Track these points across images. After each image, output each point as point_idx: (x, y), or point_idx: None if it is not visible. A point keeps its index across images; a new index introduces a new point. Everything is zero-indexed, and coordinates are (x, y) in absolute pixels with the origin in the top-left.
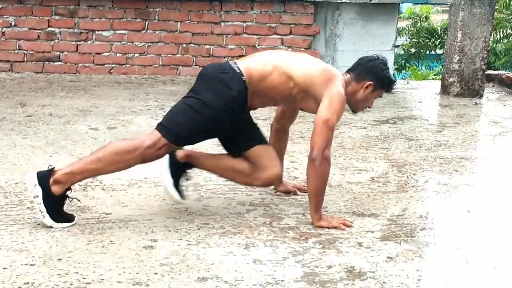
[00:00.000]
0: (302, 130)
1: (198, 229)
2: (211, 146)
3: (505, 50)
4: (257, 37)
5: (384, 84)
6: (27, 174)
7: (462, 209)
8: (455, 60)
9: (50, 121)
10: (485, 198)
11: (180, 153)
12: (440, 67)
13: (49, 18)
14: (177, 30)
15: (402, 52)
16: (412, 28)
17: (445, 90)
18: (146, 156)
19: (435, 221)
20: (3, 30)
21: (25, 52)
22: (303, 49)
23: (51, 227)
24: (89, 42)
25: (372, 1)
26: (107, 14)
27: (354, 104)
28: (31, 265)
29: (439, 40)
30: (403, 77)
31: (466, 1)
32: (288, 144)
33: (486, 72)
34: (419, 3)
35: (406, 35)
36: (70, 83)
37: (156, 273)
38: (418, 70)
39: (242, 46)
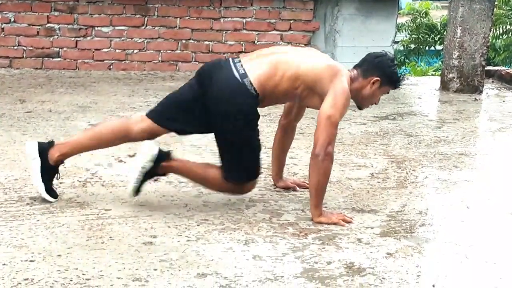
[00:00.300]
0: (301, 126)
1: (198, 225)
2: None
3: (504, 46)
4: (257, 33)
5: (391, 80)
6: (27, 142)
7: (462, 205)
8: (454, 56)
9: (49, 117)
10: (485, 194)
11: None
12: (440, 63)
13: (48, 14)
14: (176, 26)
15: (402, 48)
16: (411, 24)
17: (444, 86)
18: None
19: (434, 217)
20: (2, 26)
21: (25, 48)
22: (303, 45)
23: (45, 200)
24: (88, 38)
25: None
26: (107, 10)
27: (360, 100)
28: (31, 261)
29: (438, 36)
30: (403, 73)
31: None
32: None
33: (485, 68)
34: None
35: (405, 31)
36: (69, 79)
37: (155, 269)
38: (418, 66)
39: (241, 42)
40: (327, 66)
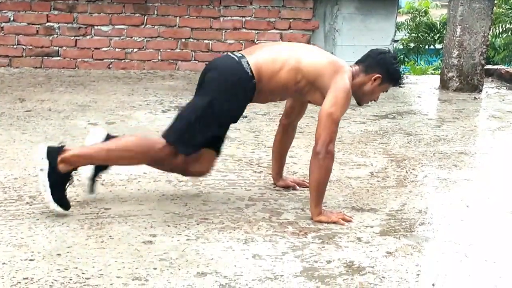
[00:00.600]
0: (301, 125)
1: (197, 224)
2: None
3: (504, 44)
4: (256, 32)
5: (393, 77)
6: (39, 145)
7: (461, 204)
8: (454, 54)
9: (49, 116)
10: (484, 193)
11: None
12: (439, 61)
13: (48, 13)
14: (176, 25)
15: (401, 46)
16: (411, 23)
17: (444, 85)
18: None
19: (434, 216)
20: (1, 25)
21: (24, 47)
22: None
23: (49, 207)
24: (88, 37)
25: None
26: (106, 9)
27: (361, 96)
28: (30, 260)
29: (438, 35)
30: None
31: None
32: None
33: (485, 67)
34: None
35: (405, 29)
36: (69, 78)
37: (155, 268)
38: (417, 64)
39: (241, 41)
40: (329, 62)
